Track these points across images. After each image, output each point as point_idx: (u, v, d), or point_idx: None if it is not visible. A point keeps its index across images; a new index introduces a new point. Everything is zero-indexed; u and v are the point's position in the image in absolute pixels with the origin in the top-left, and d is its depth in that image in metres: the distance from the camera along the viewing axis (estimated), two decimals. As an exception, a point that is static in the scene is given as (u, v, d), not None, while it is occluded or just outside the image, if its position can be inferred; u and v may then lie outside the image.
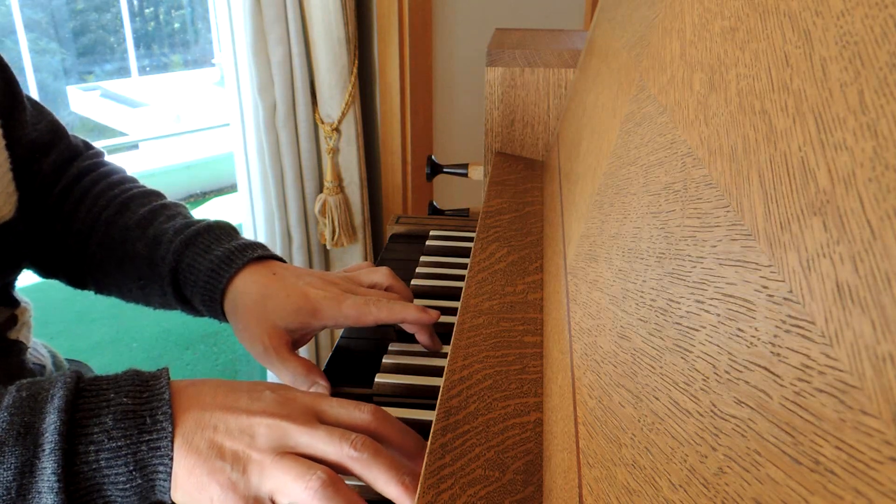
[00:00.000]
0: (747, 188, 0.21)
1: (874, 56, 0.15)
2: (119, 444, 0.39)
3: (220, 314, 0.58)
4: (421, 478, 0.38)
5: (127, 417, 0.40)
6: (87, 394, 0.41)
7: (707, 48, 0.27)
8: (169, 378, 0.43)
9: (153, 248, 0.60)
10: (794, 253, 0.17)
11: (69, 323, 2.34)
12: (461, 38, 1.59)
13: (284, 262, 0.61)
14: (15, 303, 0.61)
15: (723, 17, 0.26)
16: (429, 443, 0.40)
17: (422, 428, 0.51)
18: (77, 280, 0.66)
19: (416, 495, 0.37)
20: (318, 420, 0.43)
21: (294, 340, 0.57)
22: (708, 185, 0.24)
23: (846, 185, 0.15)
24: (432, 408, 0.50)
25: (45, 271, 0.67)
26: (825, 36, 0.18)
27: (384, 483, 0.41)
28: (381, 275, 0.61)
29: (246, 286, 0.56)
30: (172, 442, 0.40)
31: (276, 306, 0.55)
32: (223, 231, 0.60)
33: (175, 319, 2.34)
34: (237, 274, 0.57)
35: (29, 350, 0.62)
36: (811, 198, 0.17)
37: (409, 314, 0.57)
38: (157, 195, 0.66)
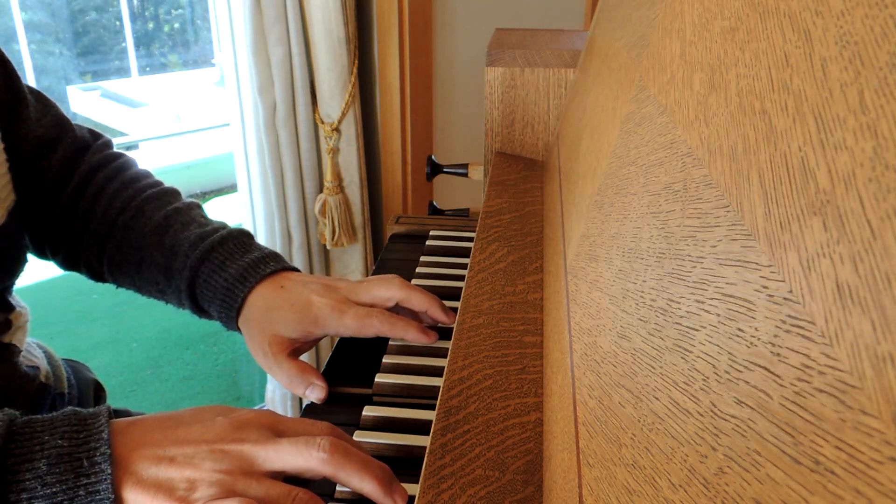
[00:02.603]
0: (747, 188, 0.21)
1: (874, 56, 0.15)
2: (54, 490, 0.37)
3: (236, 328, 0.60)
4: (421, 478, 0.38)
5: (62, 461, 0.38)
6: (19, 437, 0.39)
7: (707, 48, 0.27)
8: (109, 416, 0.41)
9: (170, 260, 0.61)
10: (794, 253, 0.17)
11: (69, 323, 2.34)
12: (461, 38, 1.59)
13: (298, 270, 0.62)
14: (10, 307, 0.61)
15: (723, 17, 0.26)
16: (429, 443, 0.40)
17: (422, 428, 0.51)
18: (97, 275, 0.67)
19: (417, 495, 0.37)
20: (277, 433, 0.43)
21: (297, 347, 0.58)
22: (708, 185, 0.24)
23: (846, 185, 0.15)
24: (432, 408, 0.50)
25: (66, 265, 0.68)
26: (825, 36, 0.18)
27: (358, 480, 0.41)
28: (392, 289, 0.59)
29: (256, 301, 0.58)
30: (113, 485, 0.38)
31: (280, 317, 0.56)
32: (237, 243, 0.61)
33: (175, 319, 2.34)
34: (250, 292, 0.58)
35: (22, 353, 0.61)
36: (811, 198, 0.17)
37: (410, 334, 0.58)
38: (171, 195, 0.66)
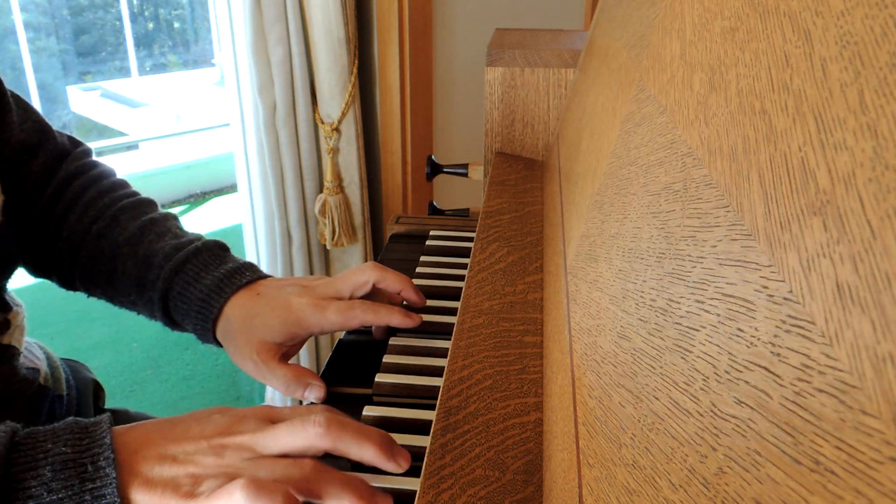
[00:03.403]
0: (747, 188, 0.21)
1: (874, 56, 0.15)
2: (60, 496, 0.38)
3: (213, 341, 0.59)
4: (421, 478, 0.38)
5: (67, 467, 0.39)
6: (22, 447, 0.39)
7: (707, 48, 0.27)
8: (110, 423, 0.42)
9: (143, 271, 0.60)
10: (794, 253, 0.17)
11: (69, 323, 2.34)
12: (461, 38, 1.59)
13: (271, 276, 0.61)
14: (7, 307, 0.61)
15: (723, 17, 0.26)
16: (429, 443, 0.40)
17: (422, 428, 0.51)
18: (68, 283, 0.66)
19: (417, 495, 0.37)
20: (273, 422, 0.44)
21: (284, 352, 0.58)
22: (708, 185, 0.24)
23: (846, 185, 0.15)
24: (432, 408, 0.50)
25: (36, 272, 0.67)
26: (825, 36, 0.18)
27: (357, 448, 0.42)
28: (367, 272, 0.60)
29: (234, 311, 0.57)
30: (118, 488, 0.39)
31: (262, 323, 0.56)
32: (211, 255, 0.60)
33: (175, 319, 2.34)
34: (226, 303, 0.57)
35: (22, 354, 0.61)
36: (811, 198, 0.17)
37: (394, 318, 0.58)
38: (147, 205, 0.65)
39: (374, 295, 0.61)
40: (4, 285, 0.61)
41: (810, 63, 0.18)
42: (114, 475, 0.39)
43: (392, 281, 0.60)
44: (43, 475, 0.38)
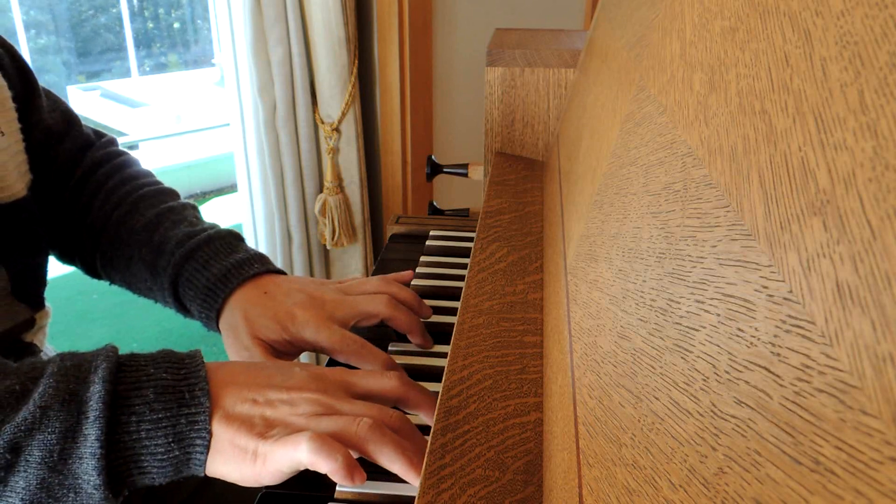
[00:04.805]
0: (747, 188, 0.21)
1: (874, 56, 0.15)
2: (159, 416, 0.41)
3: (216, 329, 0.60)
4: (421, 478, 0.38)
5: (167, 392, 0.42)
6: (127, 368, 0.42)
7: (707, 48, 0.27)
8: (203, 358, 0.45)
9: (156, 256, 0.61)
10: (794, 253, 0.17)
11: (69, 323, 2.34)
12: (461, 38, 1.59)
13: (283, 273, 0.61)
14: (40, 305, 0.61)
15: (723, 17, 0.26)
16: (429, 443, 0.40)
17: (422, 428, 0.51)
18: (91, 269, 0.68)
19: (417, 495, 0.37)
20: (351, 393, 0.46)
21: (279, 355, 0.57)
22: (708, 185, 0.24)
23: (846, 185, 0.15)
24: (432, 408, 0.50)
25: (62, 257, 0.69)
26: (825, 36, 0.18)
27: (412, 453, 0.44)
28: (379, 306, 0.59)
29: (238, 303, 0.57)
30: (210, 417, 0.42)
31: (263, 325, 0.56)
32: (223, 243, 0.60)
33: (175, 319, 2.34)
34: (232, 294, 0.58)
35: (41, 354, 0.62)
36: (811, 198, 0.17)
37: (374, 375, 0.55)
38: (168, 194, 0.66)
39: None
40: (42, 275, 0.62)
41: (810, 63, 0.18)
42: (207, 404, 0.42)
43: (402, 322, 0.59)
44: (146, 395, 0.41)
